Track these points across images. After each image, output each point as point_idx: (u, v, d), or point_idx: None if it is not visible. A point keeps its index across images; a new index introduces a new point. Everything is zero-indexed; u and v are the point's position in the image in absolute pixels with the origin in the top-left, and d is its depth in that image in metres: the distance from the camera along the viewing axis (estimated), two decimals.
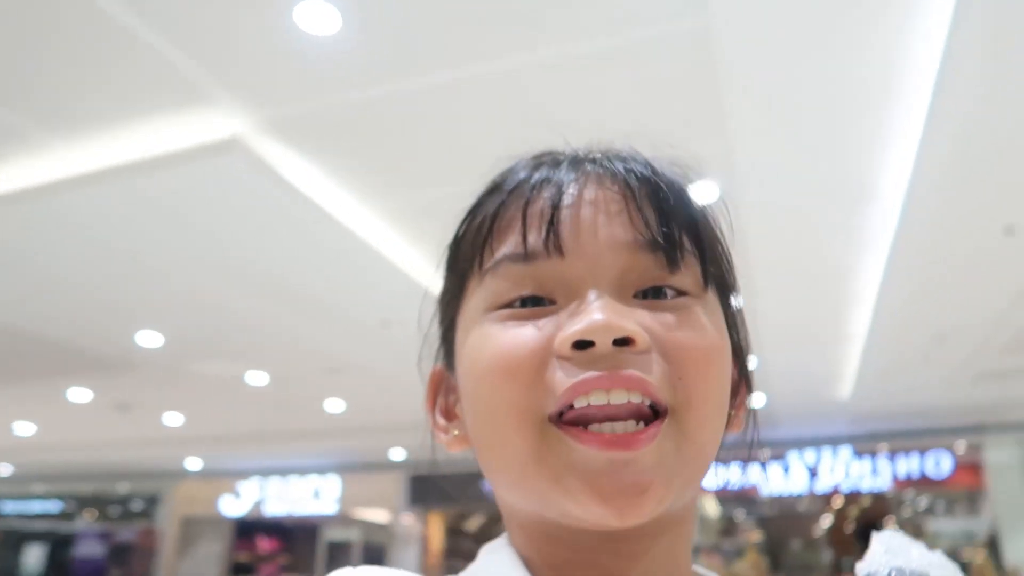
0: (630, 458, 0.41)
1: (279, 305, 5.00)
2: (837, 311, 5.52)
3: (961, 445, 9.63)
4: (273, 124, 3.13)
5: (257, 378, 7.05)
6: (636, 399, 0.42)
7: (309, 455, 11.61)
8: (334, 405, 8.22)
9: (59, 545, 12.64)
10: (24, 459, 12.39)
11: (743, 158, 3.39)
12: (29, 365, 6.89)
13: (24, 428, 9.72)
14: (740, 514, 14.77)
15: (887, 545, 0.51)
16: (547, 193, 0.48)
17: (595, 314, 0.43)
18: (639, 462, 0.41)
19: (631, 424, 0.42)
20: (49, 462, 12.44)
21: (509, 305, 0.47)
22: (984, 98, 2.87)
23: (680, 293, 0.47)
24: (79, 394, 7.98)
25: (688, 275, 0.48)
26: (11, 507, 14.76)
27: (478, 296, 0.49)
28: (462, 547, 18.26)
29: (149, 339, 5.98)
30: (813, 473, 10.41)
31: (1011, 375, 6.96)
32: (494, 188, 0.52)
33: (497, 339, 0.45)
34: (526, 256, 0.46)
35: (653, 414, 0.43)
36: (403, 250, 4.24)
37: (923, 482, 9.86)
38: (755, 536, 14.09)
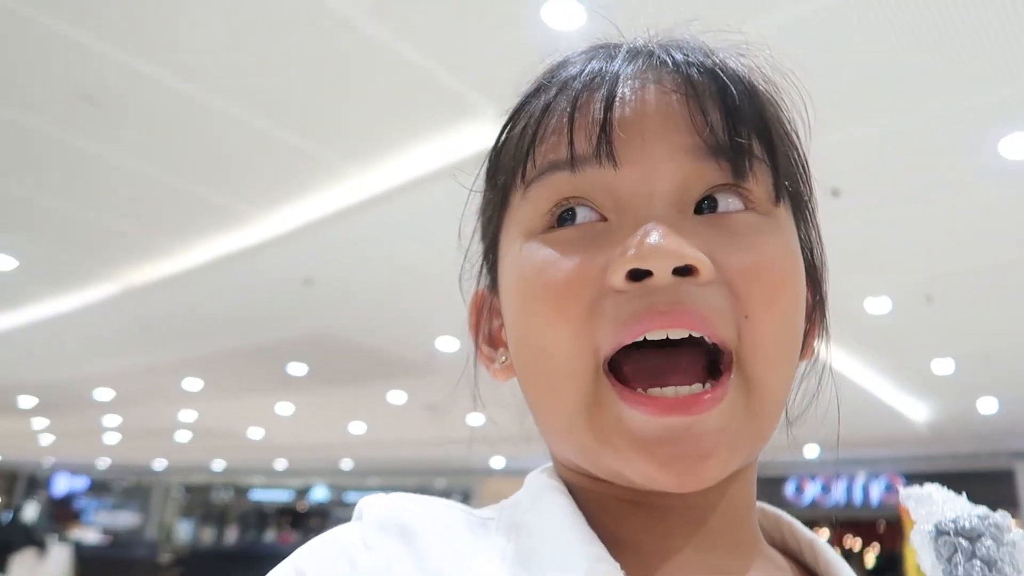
0: (690, 423, 0.37)
1: None
2: None
3: None
4: None
5: None
6: (697, 335, 0.38)
7: None
8: None
9: None
10: (360, 454, 14.26)
11: None
12: (355, 371, 7.91)
13: (357, 427, 11.19)
14: None
15: (931, 497, 0.46)
16: (599, 91, 0.42)
17: (653, 238, 0.37)
18: (701, 427, 0.37)
19: (697, 387, 0.38)
20: (379, 457, 14.16)
21: (555, 222, 0.42)
22: None
23: (748, 206, 0.41)
24: (396, 396, 8.99)
25: (757, 186, 0.41)
26: (353, 497, 17.09)
27: (522, 211, 0.44)
28: None
29: (447, 344, 6.55)
30: None
31: None
32: (540, 86, 0.46)
33: (543, 271, 0.41)
34: (573, 164, 0.41)
35: (711, 365, 0.39)
36: None
37: None
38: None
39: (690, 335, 0.38)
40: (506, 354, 0.49)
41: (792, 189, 0.45)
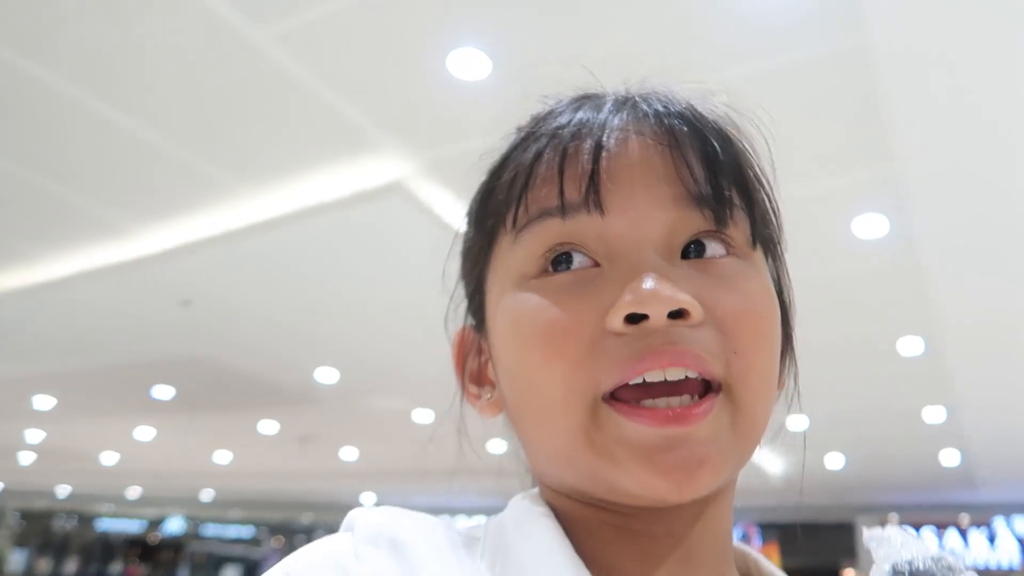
0: (686, 433, 0.40)
1: (443, 344, 5.22)
2: None
3: None
4: (430, 167, 3.33)
5: (423, 416, 7.35)
6: (692, 375, 0.41)
7: (471, 494, 11.85)
8: (496, 446, 8.37)
9: (251, 569, 13.56)
10: (223, 485, 13.59)
11: (915, 188, 3.16)
12: (227, 398, 7.60)
13: (223, 456, 10.69)
14: None
15: (890, 539, 0.49)
16: (587, 142, 0.45)
17: (648, 286, 0.40)
18: (695, 436, 0.40)
19: (686, 399, 0.41)
20: (244, 489, 13.55)
21: (547, 266, 0.44)
22: None
23: (729, 251, 0.45)
24: (268, 426, 8.69)
25: (737, 232, 0.45)
26: (212, 530, 16.19)
27: (512, 256, 0.46)
28: None
29: (327, 375, 6.42)
30: None
31: None
32: (528, 134, 0.48)
33: (541, 312, 0.43)
34: (564, 211, 0.43)
35: (705, 387, 0.42)
36: None
37: None
38: None
39: (686, 376, 0.41)
40: (492, 391, 0.51)
41: (766, 233, 0.49)
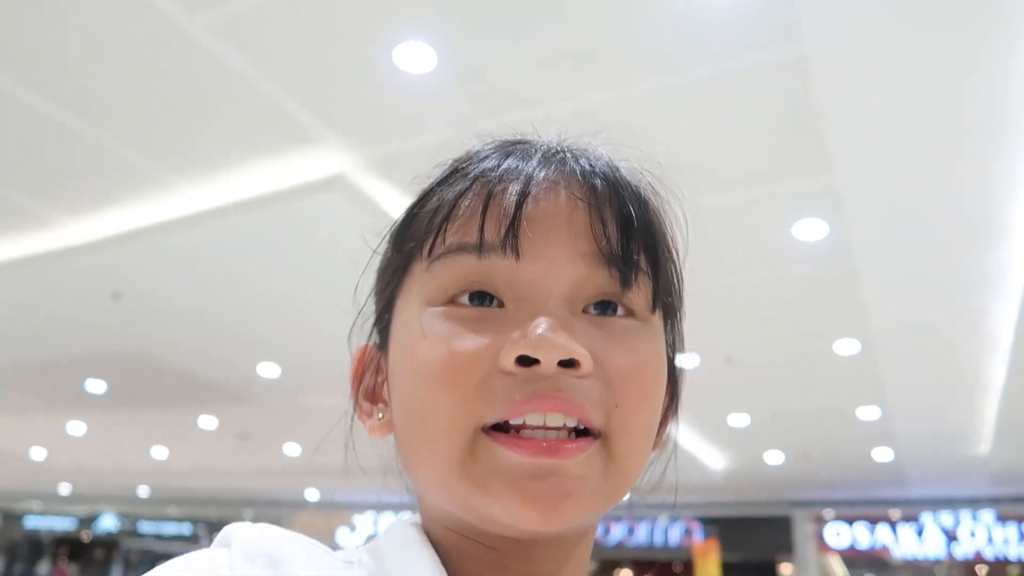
0: (557, 465, 0.42)
1: None
2: (970, 359, 5.11)
3: None
4: (374, 161, 3.27)
5: None
6: (571, 423, 0.43)
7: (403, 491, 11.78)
8: None
9: None
10: (159, 482, 13.25)
11: (852, 195, 3.23)
12: (164, 393, 7.39)
13: (159, 452, 10.41)
14: None
15: None
16: (512, 187, 0.46)
17: (544, 332, 0.42)
18: (565, 470, 0.42)
19: (562, 433, 0.43)
20: (181, 486, 13.22)
21: (454, 299, 0.46)
22: None
23: (628, 312, 0.47)
24: (208, 421, 8.48)
25: (639, 295, 0.47)
26: (148, 527, 15.77)
27: (423, 283, 0.47)
28: None
29: (268, 370, 6.29)
30: (951, 537, 9.58)
31: None
32: (456, 171, 0.50)
33: (439, 344, 0.44)
34: (481, 251, 0.45)
35: (582, 435, 0.43)
36: None
37: None
38: None
39: (564, 423, 0.42)
40: (384, 411, 0.51)
41: (667, 299, 0.50)
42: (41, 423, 9.08)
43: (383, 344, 0.52)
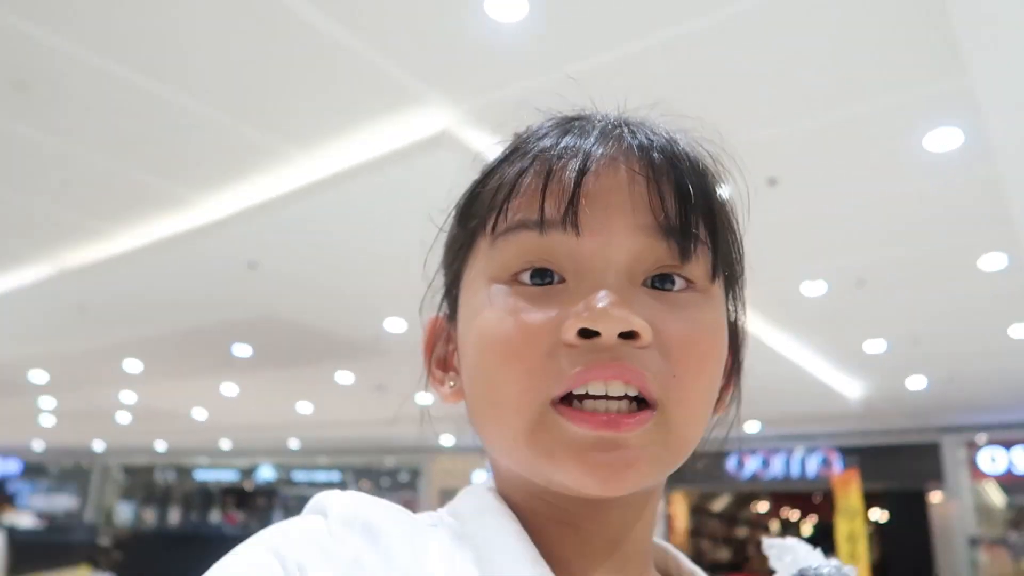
0: (619, 438, 0.44)
1: None
2: None
3: None
4: (474, 113, 3.28)
5: None
6: (632, 392, 0.44)
7: None
8: None
9: None
10: (308, 434, 14.18)
11: (988, 97, 2.95)
12: (302, 352, 7.85)
13: (304, 407, 11.11)
14: None
15: (794, 549, 0.56)
16: (571, 164, 0.47)
17: (604, 305, 0.44)
18: (627, 441, 0.44)
19: (624, 404, 0.44)
20: (328, 437, 14.10)
21: (517, 276, 0.47)
22: None
23: (688, 283, 0.48)
24: (344, 377, 8.96)
25: (698, 266, 0.48)
26: (301, 476, 16.97)
27: (488, 259, 0.49)
28: (707, 526, 17.97)
29: (395, 325, 6.54)
30: None
31: None
32: (516, 149, 0.51)
33: (505, 319, 0.46)
34: (542, 227, 0.46)
35: (642, 406, 0.45)
36: None
37: None
38: None
39: (625, 392, 0.44)
40: (456, 380, 0.54)
41: (728, 268, 0.51)
42: (198, 386, 9.87)
43: (452, 316, 0.54)
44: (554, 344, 0.45)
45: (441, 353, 0.56)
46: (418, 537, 0.46)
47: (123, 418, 12.63)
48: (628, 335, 0.44)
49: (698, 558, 16.80)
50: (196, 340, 7.44)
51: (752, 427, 12.15)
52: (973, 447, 11.22)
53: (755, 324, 6.50)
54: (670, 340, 0.45)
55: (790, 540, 0.57)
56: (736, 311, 0.54)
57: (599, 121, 0.51)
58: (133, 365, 8.60)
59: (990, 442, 11.07)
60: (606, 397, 0.44)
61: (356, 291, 5.75)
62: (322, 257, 5.01)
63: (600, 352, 0.44)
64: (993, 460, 11.11)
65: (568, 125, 0.51)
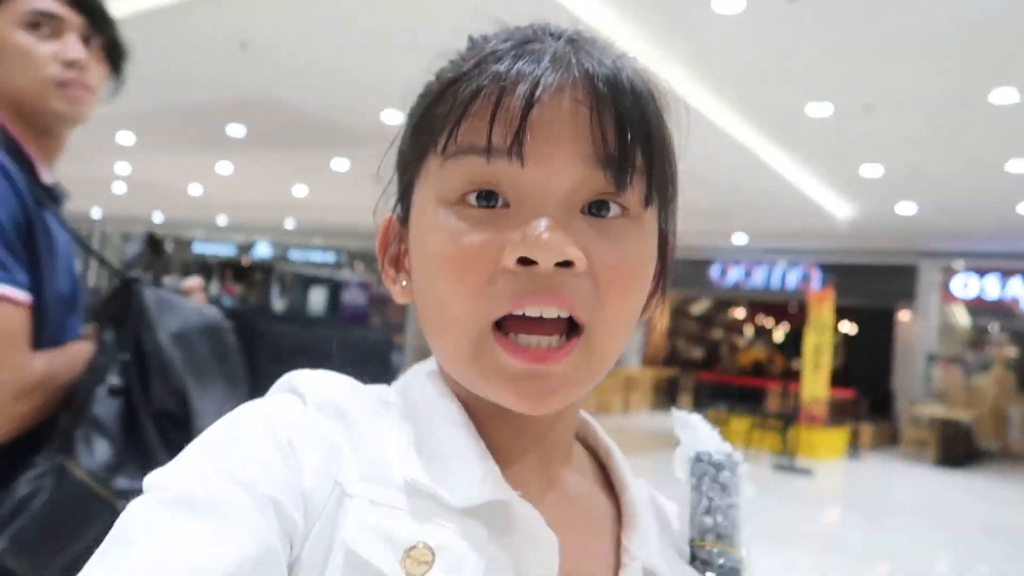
0: (546, 370, 0.49)
1: None
2: None
3: None
4: None
5: None
6: (564, 315, 0.49)
7: None
8: None
9: (334, 290, 14.71)
10: (303, 216, 14.39)
11: None
12: (296, 136, 7.77)
13: (299, 190, 11.19)
14: (994, 327, 13.60)
15: (696, 429, 0.62)
16: (520, 91, 0.49)
17: (543, 234, 0.47)
18: (553, 373, 0.49)
19: (553, 340, 0.49)
20: (323, 220, 14.33)
21: (464, 197, 0.50)
22: None
23: (623, 209, 0.51)
24: (340, 164, 8.94)
25: (633, 194, 0.50)
26: (297, 255, 17.43)
27: (438, 178, 0.51)
28: (685, 327, 18.88)
29: (393, 117, 6.43)
30: None
31: None
32: (469, 73, 0.51)
33: (451, 244, 0.49)
34: (489, 154, 0.48)
35: (571, 326, 0.50)
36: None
37: None
38: (1008, 352, 13.03)
39: (559, 315, 0.49)
40: (408, 280, 0.57)
41: (661, 194, 0.54)
42: (194, 162, 9.86)
43: (404, 220, 0.57)
44: (496, 268, 0.48)
45: (394, 252, 0.59)
46: (382, 422, 0.53)
47: (118, 188, 12.71)
48: (564, 264, 0.47)
49: (673, 356, 17.80)
50: (190, 116, 7.33)
51: (739, 239, 12.37)
52: (949, 272, 11.57)
53: (753, 140, 6.44)
54: (601, 268, 0.49)
55: (694, 417, 0.63)
56: (667, 228, 0.58)
57: (552, 42, 0.52)
58: (126, 137, 8.52)
59: (966, 269, 11.40)
60: (540, 319, 0.49)
61: (351, 77, 5.61)
62: (316, 40, 4.82)
63: (537, 279, 0.48)
64: (966, 286, 11.52)
65: (521, 49, 0.51)
